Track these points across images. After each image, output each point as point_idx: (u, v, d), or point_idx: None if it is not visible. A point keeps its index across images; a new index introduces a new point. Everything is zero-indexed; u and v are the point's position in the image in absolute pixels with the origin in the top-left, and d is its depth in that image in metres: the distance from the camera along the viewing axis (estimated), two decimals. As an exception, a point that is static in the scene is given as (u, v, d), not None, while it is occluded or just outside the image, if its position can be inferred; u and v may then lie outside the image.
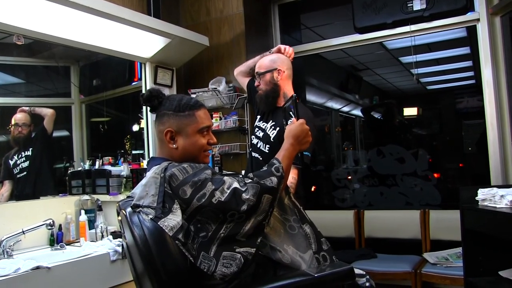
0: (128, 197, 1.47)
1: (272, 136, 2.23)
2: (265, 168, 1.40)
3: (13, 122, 2.80)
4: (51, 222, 2.26)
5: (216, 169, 3.21)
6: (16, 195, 2.71)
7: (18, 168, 2.78)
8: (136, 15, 2.74)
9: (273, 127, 2.24)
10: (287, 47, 2.37)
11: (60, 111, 3.38)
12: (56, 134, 3.50)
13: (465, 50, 4.18)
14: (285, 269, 1.39)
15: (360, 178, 4.04)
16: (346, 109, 5.35)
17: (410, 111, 4.56)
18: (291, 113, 1.64)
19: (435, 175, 3.71)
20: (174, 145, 1.43)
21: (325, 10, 4.18)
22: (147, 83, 3.22)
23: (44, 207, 2.49)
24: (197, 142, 1.45)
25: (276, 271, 1.41)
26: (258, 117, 2.40)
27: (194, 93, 3.50)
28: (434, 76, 4.94)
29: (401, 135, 4.20)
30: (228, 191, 1.28)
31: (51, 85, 3.57)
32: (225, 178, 1.33)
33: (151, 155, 3.08)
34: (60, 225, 2.47)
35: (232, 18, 3.50)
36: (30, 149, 2.84)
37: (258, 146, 2.30)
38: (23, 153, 2.83)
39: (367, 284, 1.50)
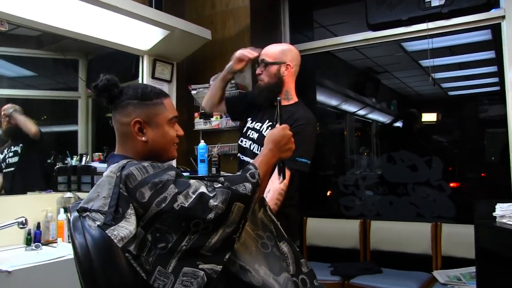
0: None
1: None
2: (239, 173, 1.20)
3: (2, 113, 2.69)
4: (23, 221, 2.09)
5: (214, 170, 3.04)
6: (5, 190, 2.60)
7: (5, 162, 2.67)
8: (133, 4, 2.60)
9: (270, 128, 2.00)
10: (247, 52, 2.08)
11: (67, 105, 3.34)
12: (63, 128, 3.45)
13: (489, 54, 3.92)
14: None
15: (368, 185, 3.80)
16: (362, 112, 5.15)
17: (429, 117, 4.34)
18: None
19: (453, 184, 3.46)
20: (144, 138, 1.24)
21: (339, 7, 3.98)
22: (144, 77, 3.08)
23: (25, 203, 2.36)
24: (167, 133, 1.29)
25: None
26: (249, 119, 2.15)
27: (195, 89, 3.34)
28: (456, 82, 4.73)
29: (415, 141, 3.95)
30: (194, 196, 1.08)
31: (62, 78, 3.52)
32: (192, 181, 1.13)
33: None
34: (38, 223, 2.34)
35: (237, 11, 3.33)
36: (20, 144, 2.72)
37: (251, 148, 2.05)
38: (12, 147, 2.72)
39: None
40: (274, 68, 2.01)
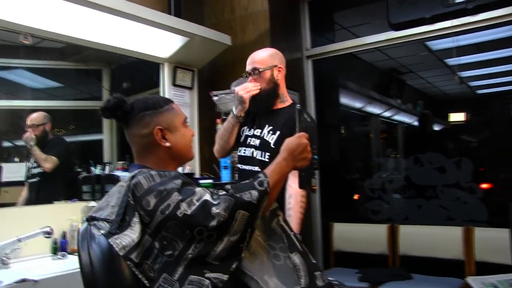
0: None
1: (273, 142, 1.98)
2: (247, 180, 1.17)
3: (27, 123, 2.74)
4: (49, 230, 2.12)
5: (237, 177, 3.01)
6: (29, 200, 2.63)
7: (30, 173, 2.71)
8: (152, 12, 2.62)
9: (271, 132, 2.00)
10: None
11: (92, 115, 3.39)
12: (89, 138, 3.50)
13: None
14: None
15: (395, 188, 3.70)
16: (387, 114, 5.06)
17: (456, 117, 4.23)
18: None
19: (484, 186, 3.33)
20: (167, 143, 1.28)
21: (360, 8, 3.91)
22: (165, 84, 3.09)
23: (50, 213, 2.39)
24: (185, 134, 1.34)
25: None
26: (245, 127, 2.13)
27: (216, 95, 3.32)
28: (484, 80, 4.60)
29: (442, 142, 3.84)
30: (197, 204, 1.07)
31: (86, 88, 3.59)
32: (197, 189, 1.12)
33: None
34: (64, 233, 2.35)
35: (256, 16, 3.31)
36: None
37: (255, 156, 2.04)
38: None
39: None
40: (267, 74, 2.03)
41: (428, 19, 2.94)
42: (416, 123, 4.31)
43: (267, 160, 1.97)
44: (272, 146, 1.97)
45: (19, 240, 2.06)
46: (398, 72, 4.80)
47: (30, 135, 2.65)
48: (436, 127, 4.33)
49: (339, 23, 4.07)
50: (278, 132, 1.98)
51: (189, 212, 1.06)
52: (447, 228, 3.05)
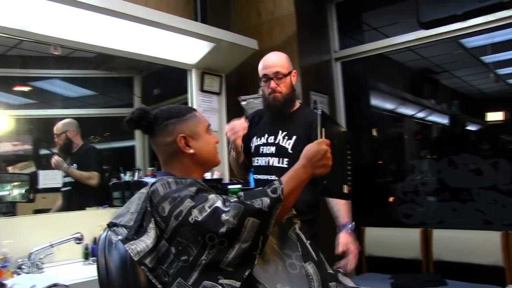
0: None
1: (290, 147, 1.96)
2: (261, 188, 1.17)
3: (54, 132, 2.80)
4: (79, 236, 2.19)
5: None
6: (63, 206, 2.69)
7: (62, 181, 2.75)
8: (178, 20, 2.66)
9: (286, 137, 1.98)
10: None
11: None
12: (123, 144, 3.58)
13: None
14: None
15: (429, 191, 3.59)
16: (421, 115, 4.94)
17: (494, 116, 4.07)
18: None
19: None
20: (191, 150, 1.31)
21: (389, 7, 3.83)
22: (193, 91, 3.12)
23: (82, 219, 2.44)
24: (209, 140, 1.37)
25: None
26: (254, 138, 2.12)
27: (244, 100, 3.33)
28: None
29: (477, 143, 3.69)
30: (208, 210, 1.09)
31: (118, 96, 3.69)
32: (210, 196, 1.13)
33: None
34: (95, 238, 2.41)
35: (283, 19, 3.30)
36: (74, 164, 2.78)
37: (271, 164, 2.01)
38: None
39: None
40: (289, 78, 2.02)
41: (459, 16, 2.85)
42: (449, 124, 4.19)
43: (285, 166, 1.95)
44: (290, 151, 1.95)
45: (51, 246, 2.13)
46: (432, 72, 4.68)
47: (56, 161, 2.67)
48: (472, 127, 4.18)
49: (368, 23, 4.00)
50: (294, 137, 1.96)
51: (199, 218, 1.08)
52: (484, 232, 2.94)
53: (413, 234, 3.12)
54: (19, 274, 1.99)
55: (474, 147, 3.53)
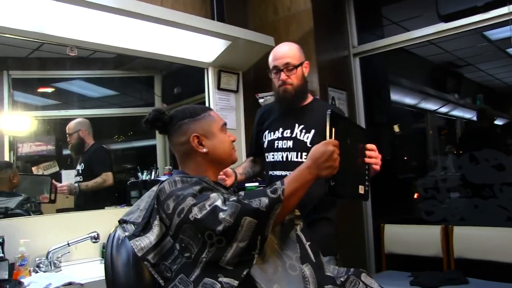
0: None
1: (309, 141, 1.88)
2: (262, 187, 1.18)
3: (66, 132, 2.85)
4: (95, 235, 2.22)
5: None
6: (79, 206, 2.73)
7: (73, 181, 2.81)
8: (194, 18, 2.67)
9: (304, 131, 1.90)
10: None
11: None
12: (145, 143, 3.64)
13: None
14: None
15: (450, 187, 3.52)
16: (444, 110, 4.85)
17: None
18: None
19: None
20: (204, 149, 1.34)
21: (409, 1, 3.76)
22: (210, 89, 3.14)
23: (98, 218, 2.45)
24: (224, 139, 1.39)
25: None
26: (266, 132, 2.04)
27: (262, 97, 3.34)
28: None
29: (502, 138, 3.59)
30: (208, 209, 1.10)
31: (139, 95, 3.75)
32: (212, 194, 1.15)
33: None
34: (112, 237, 2.45)
35: (300, 15, 3.28)
36: (82, 164, 2.82)
37: (289, 159, 1.92)
38: (78, 166, 2.83)
39: None
40: (300, 70, 1.94)
41: (480, 7, 2.77)
42: (476, 118, 4.08)
43: (304, 160, 1.92)
44: (309, 145, 1.86)
45: (68, 245, 2.17)
46: (455, 66, 4.59)
47: (67, 187, 2.69)
48: (499, 122, 4.07)
49: (387, 17, 3.94)
50: (313, 131, 1.89)
51: (199, 216, 1.10)
52: (507, 229, 2.86)
53: (434, 232, 3.05)
54: (37, 272, 2.05)
55: (497, 142, 3.43)
